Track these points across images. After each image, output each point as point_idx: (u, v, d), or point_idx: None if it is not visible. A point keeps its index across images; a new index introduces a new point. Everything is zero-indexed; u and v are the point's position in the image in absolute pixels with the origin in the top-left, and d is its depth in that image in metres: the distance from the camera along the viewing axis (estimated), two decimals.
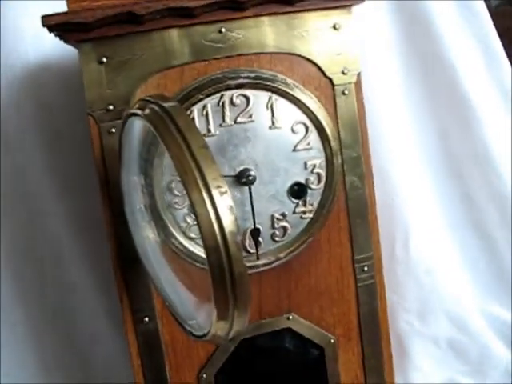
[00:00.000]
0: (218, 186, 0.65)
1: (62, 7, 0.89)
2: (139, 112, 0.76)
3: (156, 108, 0.74)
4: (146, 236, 0.95)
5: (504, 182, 1.39)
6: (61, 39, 0.93)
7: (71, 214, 1.28)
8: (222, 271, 0.65)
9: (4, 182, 1.25)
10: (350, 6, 1.01)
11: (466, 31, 1.36)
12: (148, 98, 0.77)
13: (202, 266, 0.98)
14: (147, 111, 0.75)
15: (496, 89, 1.38)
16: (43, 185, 1.27)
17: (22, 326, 1.31)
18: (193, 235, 0.99)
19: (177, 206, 0.97)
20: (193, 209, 0.65)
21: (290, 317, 1.07)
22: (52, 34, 0.91)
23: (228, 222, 0.65)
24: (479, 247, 1.49)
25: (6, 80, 1.22)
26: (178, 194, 0.96)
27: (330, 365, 1.12)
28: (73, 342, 1.33)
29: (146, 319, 1.01)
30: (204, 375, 1.06)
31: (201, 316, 0.85)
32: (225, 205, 0.65)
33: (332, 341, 1.10)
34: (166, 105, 0.73)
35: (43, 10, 0.89)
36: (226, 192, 0.65)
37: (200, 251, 0.99)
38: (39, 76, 1.24)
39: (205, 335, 0.76)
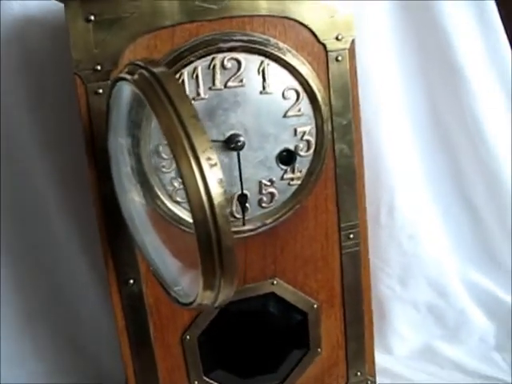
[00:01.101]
0: (208, 158, 0.64)
1: None
2: (128, 77, 0.74)
3: (145, 73, 0.72)
4: (132, 199, 0.94)
5: (492, 153, 1.39)
6: None
7: (57, 172, 1.26)
8: (210, 244, 0.65)
9: None
10: None
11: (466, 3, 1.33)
12: (137, 63, 0.75)
13: (187, 229, 0.98)
14: (136, 76, 0.73)
15: (490, 62, 1.36)
16: (29, 140, 1.24)
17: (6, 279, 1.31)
18: (179, 199, 0.98)
19: (164, 170, 0.96)
20: (182, 180, 0.64)
21: (275, 282, 1.08)
22: None
23: (217, 195, 0.64)
24: (463, 215, 1.49)
25: None
26: (165, 157, 0.95)
27: (313, 329, 1.13)
28: (59, 296, 1.33)
29: (131, 281, 1.01)
30: (188, 337, 1.07)
31: (185, 281, 0.85)
32: (214, 177, 0.64)
33: (315, 306, 1.12)
34: (155, 70, 0.71)
35: None
36: (215, 164, 0.64)
37: (186, 215, 0.98)
38: (24, 28, 1.20)
39: (190, 303, 0.76)
